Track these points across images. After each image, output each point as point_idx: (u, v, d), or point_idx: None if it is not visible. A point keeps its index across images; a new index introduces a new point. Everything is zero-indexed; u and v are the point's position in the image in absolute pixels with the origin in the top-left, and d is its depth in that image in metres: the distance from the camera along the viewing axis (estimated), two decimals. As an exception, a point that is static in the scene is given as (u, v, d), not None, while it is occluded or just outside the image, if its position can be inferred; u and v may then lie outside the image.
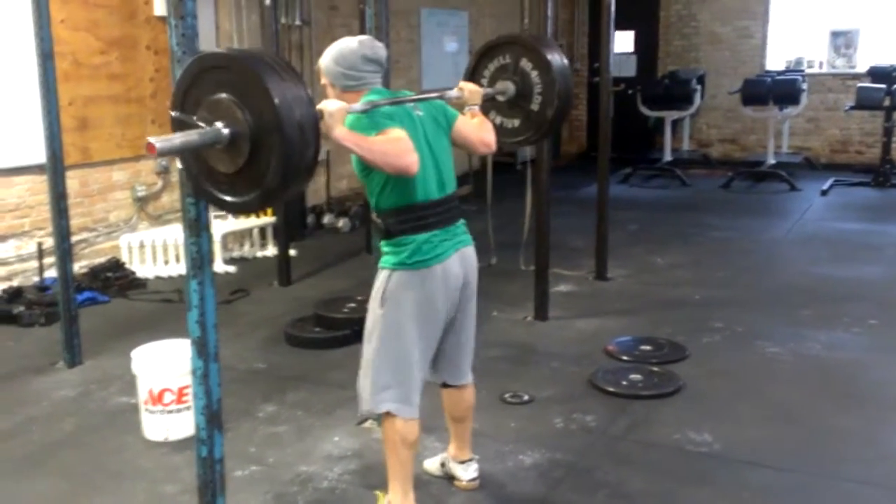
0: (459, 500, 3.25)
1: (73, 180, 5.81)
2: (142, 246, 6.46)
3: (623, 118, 9.61)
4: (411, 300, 2.85)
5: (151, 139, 2.13)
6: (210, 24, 6.99)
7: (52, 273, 5.39)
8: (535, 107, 3.51)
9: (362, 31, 5.75)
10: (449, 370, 3.13)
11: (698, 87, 10.99)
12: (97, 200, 6.47)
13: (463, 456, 3.30)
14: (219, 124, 2.22)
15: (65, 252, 4.59)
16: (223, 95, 2.24)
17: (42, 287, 5.66)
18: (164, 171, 6.87)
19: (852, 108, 10.01)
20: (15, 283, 5.79)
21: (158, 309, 5.69)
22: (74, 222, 5.47)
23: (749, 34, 11.77)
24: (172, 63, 2.51)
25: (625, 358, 4.65)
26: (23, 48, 5.24)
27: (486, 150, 3.13)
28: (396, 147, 2.62)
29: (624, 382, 4.27)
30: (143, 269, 6.41)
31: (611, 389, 4.20)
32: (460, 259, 2.95)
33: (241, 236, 7.14)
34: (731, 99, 11.07)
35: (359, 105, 2.72)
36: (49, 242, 5.35)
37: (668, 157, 10.99)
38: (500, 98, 3.53)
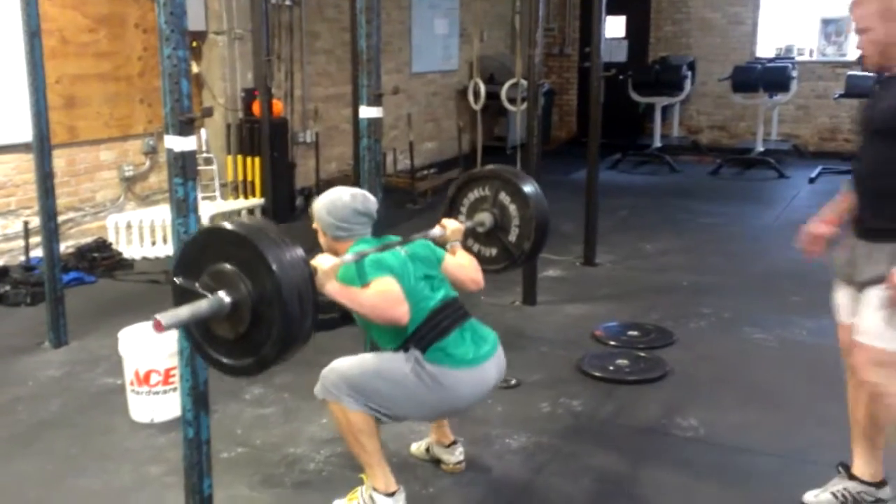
0: (446, 483, 3.25)
1: (59, 159, 5.78)
2: (129, 226, 6.42)
3: (613, 104, 9.57)
4: (438, 390, 2.85)
5: (157, 316, 2.11)
6: (199, 3, 6.94)
7: (38, 252, 5.35)
8: (512, 238, 3.58)
9: (353, 13, 5.71)
10: None
11: (688, 73, 10.99)
12: (84, 180, 6.43)
13: (446, 440, 3.32)
14: (221, 293, 2.22)
15: (51, 232, 4.56)
16: (227, 266, 2.23)
17: (28, 266, 5.63)
18: (151, 152, 6.83)
19: (842, 96, 10.01)
20: (0, 262, 5.76)
21: (145, 290, 5.67)
22: (61, 202, 5.44)
23: (740, 21, 11.76)
24: (161, 41, 2.49)
25: (612, 343, 4.67)
26: (9, 25, 5.19)
27: (476, 287, 3.18)
28: (385, 300, 2.71)
29: (611, 367, 4.29)
30: (130, 249, 6.38)
31: (598, 374, 4.21)
32: (496, 365, 2.99)
33: (229, 218, 7.09)
34: (721, 86, 11.06)
35: (349, 256, 2.77)
36: (35, 222, 5.32)
37: (657, 143, 10.99)
38: (479, 229, 3.58)
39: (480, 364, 2.91)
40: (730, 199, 8.71)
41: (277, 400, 3.97)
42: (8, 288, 5.32)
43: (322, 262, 2.60)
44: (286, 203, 7.61)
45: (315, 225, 3.00)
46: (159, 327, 2.12)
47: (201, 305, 2.21)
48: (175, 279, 2.34)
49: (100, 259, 6.01)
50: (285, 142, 7.60)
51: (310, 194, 8.17)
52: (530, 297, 5.37)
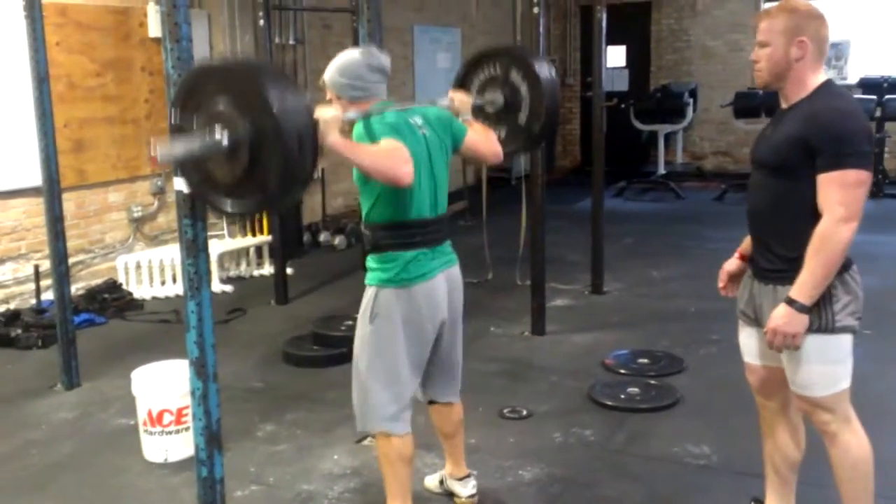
0: (460, 517, 3.25)
1: (69, 202, 5.82)
2: (138, 267, 6.46)
3: (616, 132, 9.66)
4: (399, 317, 2.86)
5: (153, 146, 2.14)
6: (204, 45, 7.02)
7: (49, 295, 5.39)
8: (522, 120, 3.51)
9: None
10: (436, 388, 3.15)
11: (690, 100, 11.06)
12: (93, 222, 6.48)
13: (460, 473, 3.31)
14: (218, 132, 2.23)
15: (62, 274, 4.59)
16: (223, 104, 2.24)
17: (39, 309, 5.66)
18: (159, 192, 6.88)
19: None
20: (12, 305, 5.79)
21: (156, 330, 5.69)
22: (71, 244, 5.47)
23: (740, 48, 11.83)
24: (168, 86, 2.53)
25: (622, 371, 4.66)
26: (18, 71, 5.26)
27: (496, 159, 3.17)
28: (390, 157, 2.64)
29: (622, 396, 4.28)
30: (140, 289, 6.41)
31: (609, 403, 4.21)
32: (447, 279, 2.97)
33: (237, 255, 7.15)
34: (723, 112, 11.13)
35: (353, 113, 2.74)
36: (46, 265, 5.36)
37: (661, 170, 11.03)
38: (489, 109, 3.54)
39: (430, 278, 2.88)
40: (735, 225, 8.59)
41: (290, 437, 3.98)
42: (20, 331, 5.34)
43: (324, 112, 2.52)
44: (293, 239, 7.65)
45: (329, 94, 2.91)
46: (154, 162, 2.14)
47: (196, 142, 2.22)
48: (171, 116, 2.33)
49: (110, 300, 6.04)
50: (291, 179, 7.64)
51: (316, 230, 8.22)
52: (539, 327, 5.37)
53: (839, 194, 2.45)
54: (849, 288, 2.60)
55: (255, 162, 2.23)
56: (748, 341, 2.86)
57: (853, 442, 2.67)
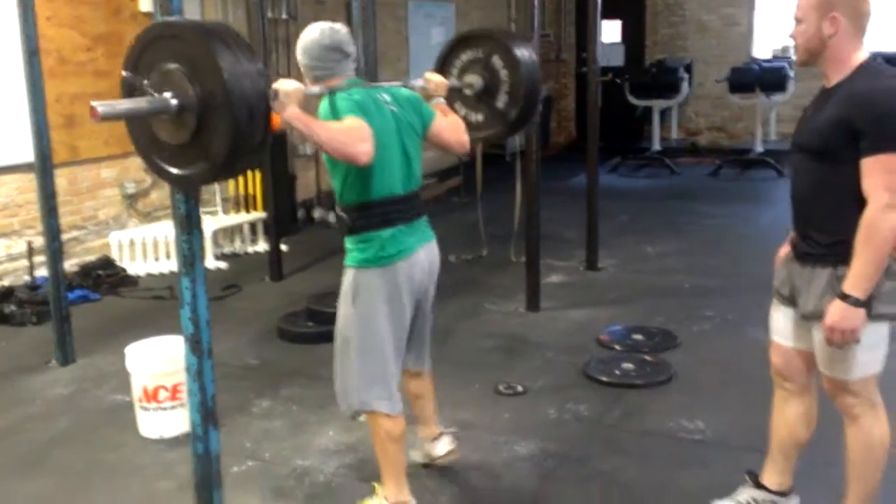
0: (455, 492, 3.26)
1: (61, 178, 5.79)
2: (132, 243, 6.44)
3: (611, 108, 9.63)
4: (381, 297, 2.86)
5: (94, 103, 2.05)
6: (196, 18, 6.96)
7: (42, 272, 5.37)
8: (500, 105, 3.49)
9: (349, 25, 5.75)
10: (410, 357, 3.16)
11: (685, 75, 11.02)
12: (86, 198, 6.45)
13: (433, 433, 3.31)
14: (167, 94, 2.17)
15: (55, 251, 4.58)
16: (175, 66, 2.17)
17: (33, 286, 5.65)
18: (152, 168, 6.83)
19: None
20: (5, 282, 5.76)
21: (150, 306, 5.68)
22: (64, 221, 5.45)
23: (735, 22, 11.80)
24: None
25: (617, 347, 4.67)
26: (8, 46, 5.21)
27: (462, 150, 3.15)
28: (348, 134, 2.61)
29: (616, 372, 4.29)
30: (134, 266, 6.39)
31: (603, 379, 4.22)
32: (426, 254, 2.98)
33: (231, 232, 7.13)
34: (718, 87, 11.09)
35: (316, 88, 2.73)
36: (39, 241, 5.33)
37: (656, 146, 11.01)
38: (467, 91, 3.52)
39: (409, 255, 2.89)
40: (730, 200, 8.72)
41: (285, 412, 3.98)
42: (13, 308, 5.33)
43: (285, 84, 2.51)
44: (288, 216, 7.63)
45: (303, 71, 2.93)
46: (95, 115, 2.05)
47: (142, 102, 2.16)
48: (123, 72, 2.27)
49: (104, 276, 6.03)
50: (285, 155, 7.62)
51: (311, 207, 8.19)
52: (534, 303, 5.38)
53: (884, 179, 2.33)
54: (891, 275, 2.49)
55: (202, 127, 2.16)
56: (783, 321, 2.77)
57: (875, 428, 2.64)
